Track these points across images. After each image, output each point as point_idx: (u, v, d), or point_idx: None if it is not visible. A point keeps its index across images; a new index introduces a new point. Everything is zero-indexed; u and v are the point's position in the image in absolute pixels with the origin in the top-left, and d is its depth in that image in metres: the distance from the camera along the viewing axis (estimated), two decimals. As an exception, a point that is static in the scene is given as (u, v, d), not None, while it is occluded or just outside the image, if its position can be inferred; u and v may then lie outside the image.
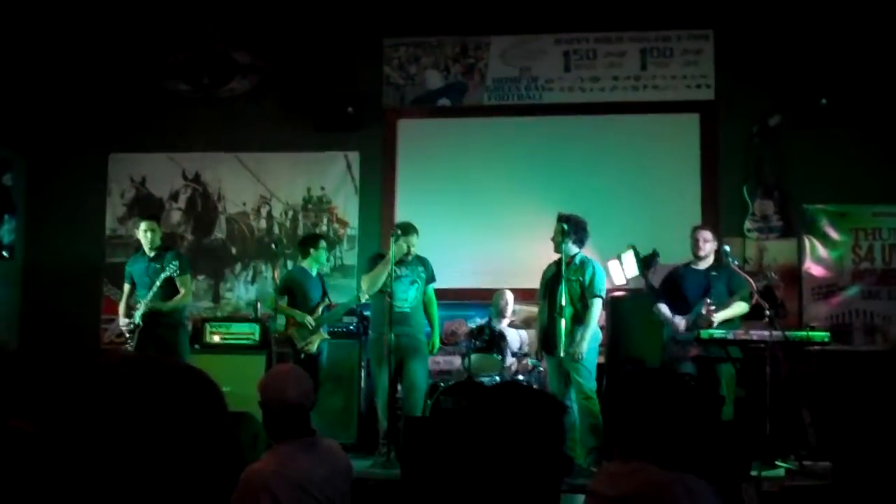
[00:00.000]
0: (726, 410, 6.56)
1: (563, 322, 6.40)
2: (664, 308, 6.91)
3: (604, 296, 6.73)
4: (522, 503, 1.79)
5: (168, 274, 7.11)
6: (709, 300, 6.69)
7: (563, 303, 6.44)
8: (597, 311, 6.62)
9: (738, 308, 6.71)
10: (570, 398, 6.51)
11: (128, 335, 7.22)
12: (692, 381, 5.88)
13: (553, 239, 6.71)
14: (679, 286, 6.97)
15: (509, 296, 7.76)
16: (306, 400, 3.44)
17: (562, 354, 6.43)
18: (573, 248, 6.68)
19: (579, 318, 6.55)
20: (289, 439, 3.37)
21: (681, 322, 6.77)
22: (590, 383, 6.48)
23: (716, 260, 7.01)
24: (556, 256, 6.76)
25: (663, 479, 2.39)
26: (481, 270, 8.41)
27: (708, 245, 6.96)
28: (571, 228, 6.63)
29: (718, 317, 6.66)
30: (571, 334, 6.48)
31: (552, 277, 6.68)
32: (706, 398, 6.38)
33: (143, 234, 7.37)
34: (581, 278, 6.60)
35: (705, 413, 6.18)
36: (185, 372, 1.37)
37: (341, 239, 8.79)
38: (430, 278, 7.13)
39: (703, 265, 6.97)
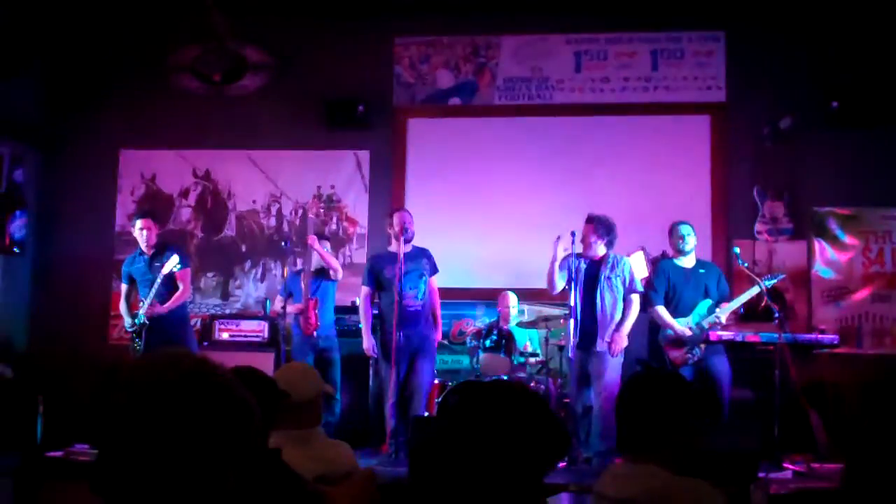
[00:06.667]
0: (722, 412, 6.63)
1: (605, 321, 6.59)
2: (664, 312, 6.76)
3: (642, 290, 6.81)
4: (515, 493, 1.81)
5: (170, 270, 7.06)
6: (711, 302, 6.73)
7: (608, 302, 6.60)
8: (637, 306, 6.71)
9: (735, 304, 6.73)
10: (588, 398, 6.60)
11: (134, 335, 7.22)
12: (697, 384, 5.91)
13: (582, 241, 6.72)
14: (674, 286, 6.82)
15: (511, 299, 7.70)
16: (316, 397, 3.44)
17: (598, 349, 6.56)
18: (602, 249, 6.76)
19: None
20: (278, 430, 3.26)
21: (685, 327, 6.70)
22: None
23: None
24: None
25: (671, 484, 2.37)
26: (490, 270, 8.40)
27: (692, 239, 6.87)
28: (602, 231, 6.72)
29: (723, 317, 6.70)
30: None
31: (585, 273, 6.69)
32: (712, 401, 6.42)
33: (139, 231, 7.28)
34: (622, 275, 6.69)
35: (711, 416, 6.21)
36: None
37: (351, 237, 8.80)
38: (433, 269, 7.08)
39: (688, 262, 6.87)
